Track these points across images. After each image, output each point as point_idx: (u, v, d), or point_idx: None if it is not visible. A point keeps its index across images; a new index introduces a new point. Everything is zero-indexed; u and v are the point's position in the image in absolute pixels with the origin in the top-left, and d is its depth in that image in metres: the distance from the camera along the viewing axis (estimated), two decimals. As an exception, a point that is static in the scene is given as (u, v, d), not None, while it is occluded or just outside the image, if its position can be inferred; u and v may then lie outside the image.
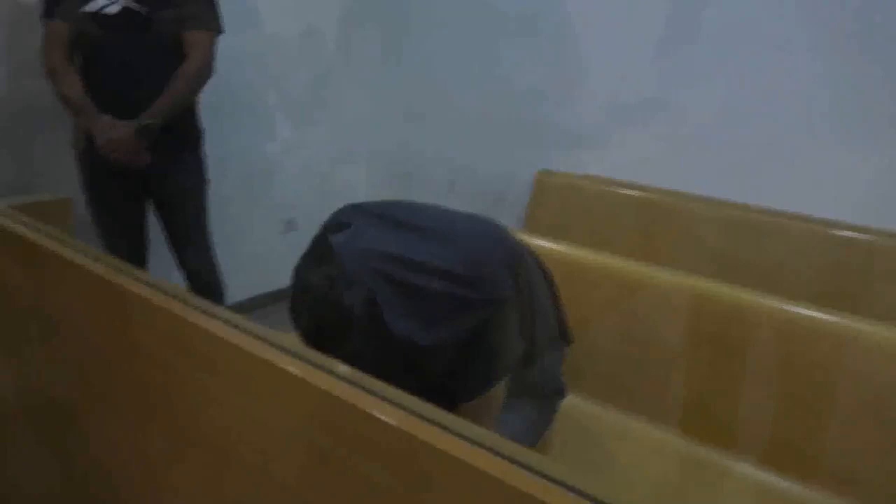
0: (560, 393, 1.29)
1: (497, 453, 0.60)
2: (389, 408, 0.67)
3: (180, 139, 1.75)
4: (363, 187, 3.03)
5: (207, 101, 1.93)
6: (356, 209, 1.07)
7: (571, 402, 1.37)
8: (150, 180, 1.77)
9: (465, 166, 2.78)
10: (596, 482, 0.55)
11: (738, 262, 1.92)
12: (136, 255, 1.87)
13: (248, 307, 2.53)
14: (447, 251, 0.96)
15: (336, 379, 0.71)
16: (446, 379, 0.98)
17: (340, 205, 1.09)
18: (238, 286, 2.35)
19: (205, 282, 1.95)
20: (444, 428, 0.64)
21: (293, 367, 0.72)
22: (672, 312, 1.39)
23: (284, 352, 0.75)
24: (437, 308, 0.93)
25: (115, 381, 0.98)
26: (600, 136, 2.34)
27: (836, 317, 1.27)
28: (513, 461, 0.60)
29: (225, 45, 1.86)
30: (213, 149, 1.99)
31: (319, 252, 0.95)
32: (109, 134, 1.57)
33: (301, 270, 0.96)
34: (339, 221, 1.06)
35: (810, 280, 1.81)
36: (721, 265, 1.90)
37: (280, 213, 2.79)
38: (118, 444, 1.01)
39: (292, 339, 1.00)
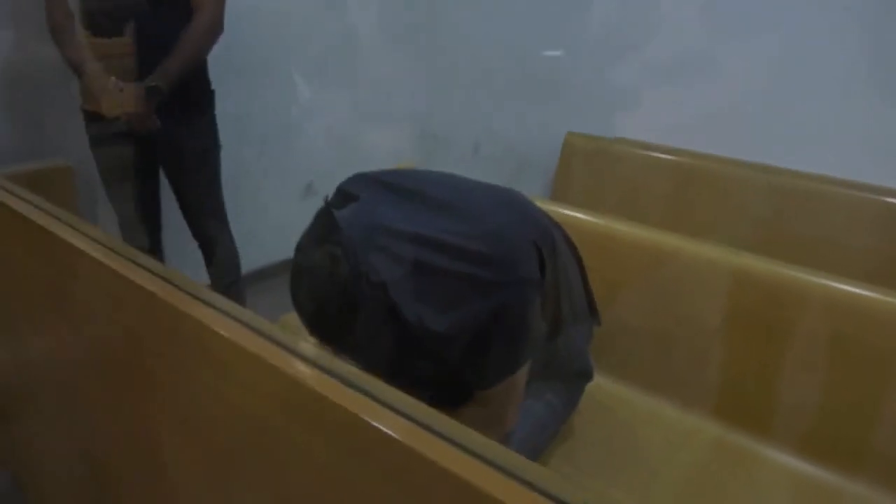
0: (586, 375, 1.24)
1: (497, 467, 0.55)
2: (383, 411, 0.60)
3: (189, 101, 1.69)
4: (386, 150, 2.95)
5: (222, 60, 1.86)
6: (365, 179, 1.03)
7: (598, 384, 1.30)
8: (159, 145, 1.71)
9: (490, 129, 2.70)
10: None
11: (783, 233, 1.82)
12: (147, 222, 1.82)
13: (268, 274, 2.50)
14: (466, 227, 0.92)
15: (312, 368, 0.66)
16: (464, 367, 0.95)
17: (362, 168, 1.05)
18: (256, 253, 2.30)
19: (219, 250, 1.91)
20: (441, 436, 0.57)
21: (268, 354, 0.68)
22: (710, 289, 1.32)
23: (266, 338, 0.70)
24: (454, 290, 0.90)
25: (107, 361, 0.95)
26: (634, 96, 2.24)
27: (893, 297, 1.16)
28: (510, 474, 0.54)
29: (242, 2, 1.76)
30: (230, 111, 1.94)
31: (322, 228, 0.90)
32: (115, 96, 1.51)
33: (302, 248, 0.91)
34: (347, 193, 1.01)
35: (865, 255, 1.69)
36: (765, 237, 1.80)
37: (300, 178, 2.74)
38: (113, 423, 0.99)
39: (292, 322, 0.94)
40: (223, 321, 0.73)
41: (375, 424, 0.58)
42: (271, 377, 0.67)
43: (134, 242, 1.84)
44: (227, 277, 1.92)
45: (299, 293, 0.90)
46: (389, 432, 0.58)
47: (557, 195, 2.23)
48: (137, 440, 0.93)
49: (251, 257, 2.20)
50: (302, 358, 0.66)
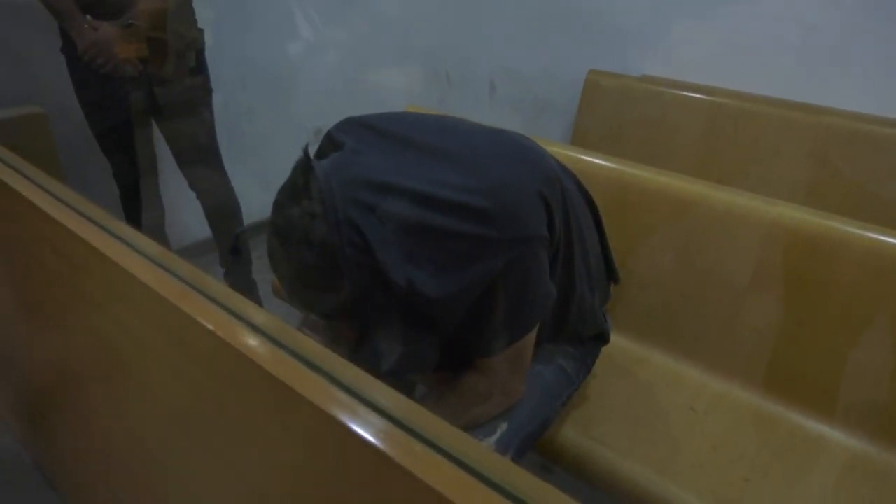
0: (602, 337, 1.17)
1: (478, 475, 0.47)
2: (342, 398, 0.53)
3: (175, 43, 1.58)
4: (397, 90, 2.88)
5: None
6: (353, 124, 0.96)
7: (615, 345, 1.25)
8: (146, 92, 1.65)
9: (508, 67, 2.61)
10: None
11: (825, 181, 1.69)
12: (137, 173, 1.79)
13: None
14: (463, 178, 0.84)
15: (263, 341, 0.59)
16: (464, 333, 0.89)
17: (373, 110, 1.00)
18: (265, 203, 2.25)
19: (217, 202, 1.88)
20: (421, 439, 0.48)
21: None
22: (741, 241, 1.24)
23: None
24: (450, 251, 0.83)
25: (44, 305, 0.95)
26: (662, 29, 2.12)
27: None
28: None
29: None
30: (232, 53, 1.85)
31: (300, 181, 0.82)
32: (91, 36, 1.41)
33: (279, 205, 0.84)
34: (331, 140, 0.95)
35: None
36: (808, 186, 1.70)
37: (308, 122, 2.68)
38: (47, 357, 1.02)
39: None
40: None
41: (344, 421, 0.51)
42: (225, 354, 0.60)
43: (127, 192, 1.80)
44: (229, 229, 1.87)
45: (276, 256, 0.83)
46: (361, 432, 0.49)
47: (577, 139, 2.15)
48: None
49: (259, 207, 2.16)
50: (258, 332, 0.59)
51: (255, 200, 2.11)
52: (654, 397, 1.23)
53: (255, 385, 0.59)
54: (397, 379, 1.14)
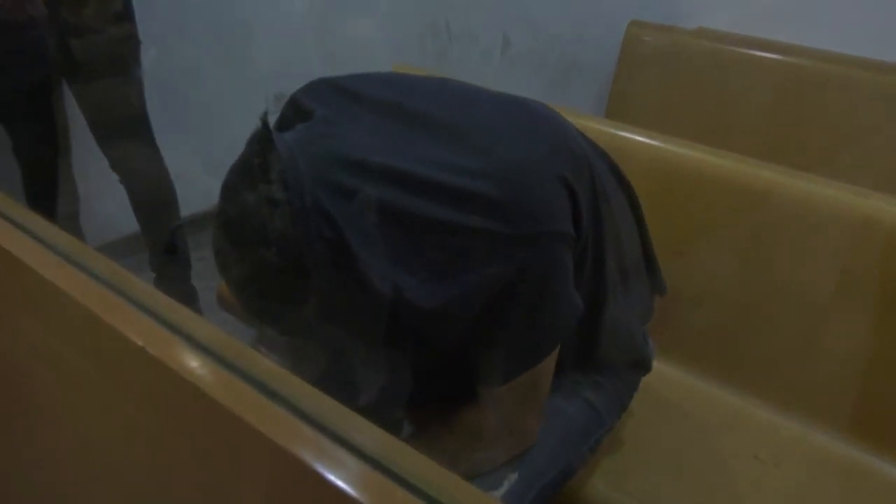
0: (642, 364, 1.20)
1: None
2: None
3: None
4: (381, 44, 2.89)
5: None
6: (325, 87, 0.98)
7: (659, 375, 1.28)
8: (57, 44, 1.67)
9: (525, 16, 2.64)
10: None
11: None
12: (44, 150, 1.82)
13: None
14: (468, 158, 0.86)
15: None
16: (463, 356, 0.92)
17: (351, 70, 1.02)
18: (209, 188, 2.28)
19: (146, 187, 1.91)
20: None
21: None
22: (823, 244, 1.27)
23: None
24: (449, 251, 0.86)
25: None
26: None
27: None
28: None
29: None
30: None
31: (257, 159, 0.83)
32: None
33: (230, 189, 0.85)
34: (297, 107, 0.97)
35: None
36: None
37: (266, 84, 2.64)
38: None
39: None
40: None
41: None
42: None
43: (33, 172, 1.82)
44: (161, 221, 1.90)
45: (225, 255, 0.85)
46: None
47: (614, 110, 2.19)
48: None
49: (200, 193, 2.18)
50: (201, 350, 0.61)
51: (197, 185, 2.12)
52: (709, 442, 1.25)
53: (199, 417, 0.60)
54: (377, 413, 1.15)
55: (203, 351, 0.62)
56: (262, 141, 0.83)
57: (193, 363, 0.61)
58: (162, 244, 1.99)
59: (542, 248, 0.86)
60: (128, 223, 2.06)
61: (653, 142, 1.41)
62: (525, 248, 0.85)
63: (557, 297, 0.91)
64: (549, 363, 0.95)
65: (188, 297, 2.00)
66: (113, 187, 1.95)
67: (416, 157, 0.85)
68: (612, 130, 1.42)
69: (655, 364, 1.19)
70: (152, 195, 1.92)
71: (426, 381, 0.99)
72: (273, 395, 0.58)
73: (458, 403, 0.98)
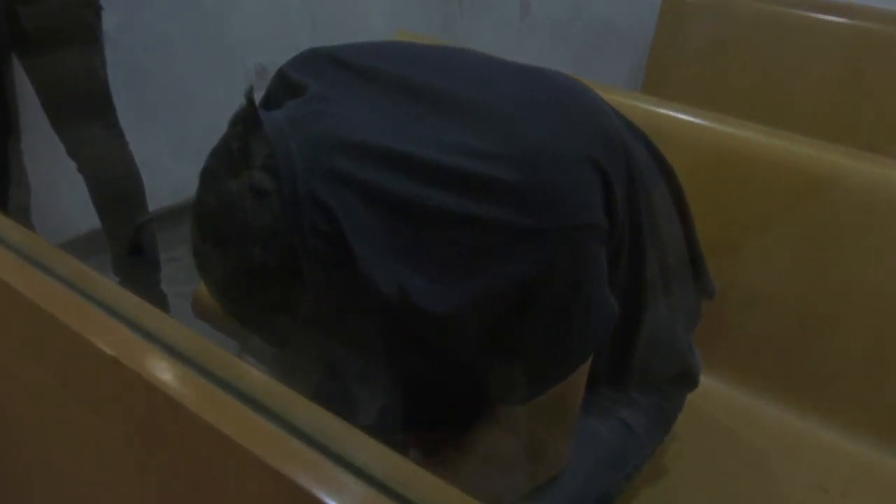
0: (688, 379, 1.21)
1: None
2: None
3: None
4: (381, 8, 2.88)
5: None
6: (318, 59, 1.00)
7: (708, 391, 1.29)
8: (5, 12, 1.69)
9: None
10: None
11: None
12: None
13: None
14: (484, 139, 0.88)
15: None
16: (480, 369, 0.93)
17: (346, 39, 1.04)
18: (184, 177, 2.30)
19: (108, 176, 1.92)
20: None
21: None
22: None
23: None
24: (463, 246, 0.87)
25: None
26: None
27: None
28: None
29: None
30: None
31: (240, 142, 0.85)
32: None
33: (210, 175, 0.87)
34: (287, 81, 0.99)
35: None
36: None
37: (248, 56, 2.76)
38: None
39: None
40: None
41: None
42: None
43: None
44: (126, 216, 1.91)
45: (204, 253, 0.86)
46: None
47: (653, 83, 2.20)
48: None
49: (172, 183, 2.19)
50: (180, 360, 0.63)
51: (168, 174, 2.14)
52: (765, 471, 1.26)
53: (180, 436, 0.62)
54: (378, 436, 1.17)
55: (184, 361, 0.63)
56: (246, 121, 0.85)
57: (173, 375, 0.62)
58: (126, 243, 2.00)
59: (571, 242, 0.87)
60: (86, 218, 2.08)
61: (699, 120, 1.42)
62: (551, 242, 0.86)
63: (589, 299, 0.91)
64: (580, 377, 0.96)
65: (157, 305, 2.01)
66: (70, 177, 1.96)
67: (425, 138, 0.87)
68: (651, 107, 1.43)
69: (703, 379, 1.19)
70: (115, 186, 1.93)
71: (436, 400, 1.00)
72: (264, 410, 0.59)
73: (474, 425, 0.99)
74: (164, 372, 0.62)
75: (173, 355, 0.64)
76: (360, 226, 0.83)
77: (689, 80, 2.12)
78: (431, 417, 1.00)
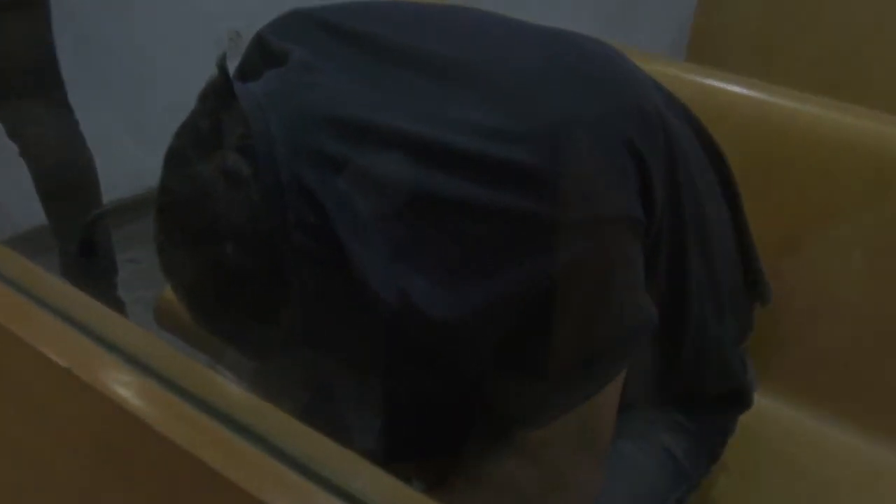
0: (740, 398, 1.22)
1: None
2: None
3: None
4: None
5: None
6: (302, 22, 1.02)
7: (763, 412, 1.29)
8: None
9: None
10: None
11: None
12: None
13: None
14: (497, 116, 0.89)
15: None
16: (494, 385, 0.94)
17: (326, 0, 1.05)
18: (145, 163, 2.31)
19: (55, 161, 1.92)
20: None
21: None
22: None
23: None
24: (473, 243, 0.88)
25: None
26: None
27: None
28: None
29: None
30: None
31: (212, 119, 0.87)
32: None
33: (176, 159, 0.89)
34: (266, 48, 1.01)
35: None
36: None
37: (220, 20, 2.71)
38: None
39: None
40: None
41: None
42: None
43: None
44: (76, 209, 1.92)
45: (170, 251, 0.88)
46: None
47: (698, 50, 2.20)
48: None
49: (131, 170, 2.20)
50: (146, 372, 0.63)
51: (125, 159, 2.15)
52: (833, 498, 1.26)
53: (146, 461, 0.62)
54: (377, 460, 1.18)
55: (150, 373, 0.64)
56: (218, 94, 0.86)
57: (137, 389, 0.62)
58: (77, 240, 2.00)
59: (600, 237, 0.88)
60: (30, 212, 2.09)
61: (753, 93, 1.42)
62: (576, 237, 0.86)
63: (621, 303, 0.92)
64: (612, 396, 0.97)
65: (113, 315, 2.03)
66: (10, 163, 1.98)
67: (428, 114, 0.87)
68: (697, 78, 1.43)
69: (757, 398, 1.20)
70: (63, 173, 1.93)
71: (442, 422, 1.01)
72: (243, 429, 0.60)
73: (487, 451, 1.00)
74: (126, 386, 0.63)
75: (137, 366, 0.64)
76: (352, 218, 0.84)
77: (741, 46, 2.12)
78: (437, 443, 1.01)
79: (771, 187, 1.35)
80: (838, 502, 1.28)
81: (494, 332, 0.89)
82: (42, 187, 1.95)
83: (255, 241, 0.83)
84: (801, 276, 1.37)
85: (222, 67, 0.86)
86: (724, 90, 1.43)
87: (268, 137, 0.83)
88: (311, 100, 0.88)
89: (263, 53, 0.99)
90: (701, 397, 1.16)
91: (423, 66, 0.92)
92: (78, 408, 0.66)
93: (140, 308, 2.07)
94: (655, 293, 0.98)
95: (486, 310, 0.87)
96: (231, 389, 0.64)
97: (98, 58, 2.33)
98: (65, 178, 1.93)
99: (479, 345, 0.90)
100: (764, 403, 1.27)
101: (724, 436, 1.20)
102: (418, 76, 0.91)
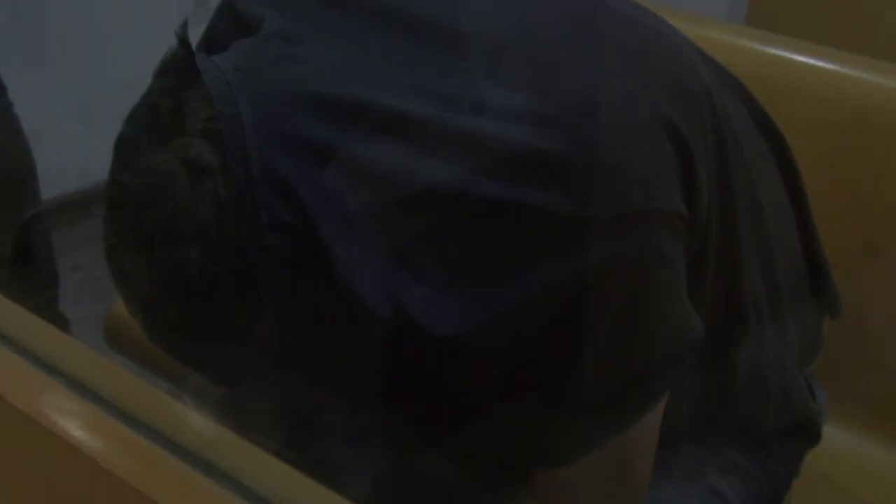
0: (807, 431, 1.22)
1: None
2: None
3: None
4: None
5: None
6: None
7: (834, 446, 1.30)
8: None
9: None
10: None
11: None
12: None
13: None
14: (518, 96, 0.90)
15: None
16: (508, 416, 0.94)
17: None
18: (94, 151, 2.32)
19: None
20: None
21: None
22: None
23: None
24: (485, 245, 0.89)
25: None
26: None
27: None
28: None
29: None
30: None
31: (171, 99, 0.87)
32: None
33: (129, 147, 0.89)
34: (235, 14, 1.01)
35: None
36: None
37: None
38: None
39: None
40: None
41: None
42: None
43: None
44: (9, 209, 1.93)
45: (122, 258, 0.88)
46: None
47: (760, 12, 2.18)
48: None
49: (76, 160, 2.22)
50: (94, 400, 0.64)
51: (71, 148, 2.16)
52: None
53: (91, 502, 0.63)
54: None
55: (97, 401, 0.64)
56: (179, 70, 0.87)
57: (83, 420, 0.63)
58: (10, 245, 2.02)
59: (634, 236, 0.88)
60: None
61: (826, 64, 1.42)
62: (606, 236, 0.86)
63: (661, 316, 0.93)
64: (651, 428, 0.97)
65: (54, 332, 2.04)
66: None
67: (430, 91, 0.88)
68: (757, 46, 1.43)
69: (827, 431, 1.21)
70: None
71: (447, 461, 1.02)
72: (209, 468, 0.60)
73: (500, 495, 1.01)
74: (69, 415, 0.63)
75: (83, 393, 0.65)
76: (337, 215, 0.84)
77: (812, 6, 2.14)
78: (442, 486, 1.02)
79: (845, 180, 1.35)
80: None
81: (509, 350, 0.89)
82: None
83: (222, 244, 0.83)
84: (882, 286, 1.37)
85: (183, 39, 0.87)
86: (789, 61, 1.42)
87: (237, 121, 0.84)
88: (289, 76, 0.88)
89: (232, 20, 0.99)
90: (759, 431, 1.16)
91: (423, 34, 0.92)
92: (13, 440, 0.67)
93: (87, 325, 2.08)
94: (703, 307, 0.98)
95: (498, 323, 0.87)
96: (193, 420, 0.65)
97: (37, 27, 2.34)
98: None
99: (490, 367, 0.90)
100: (835, 436, 1.28)
101: (788, 477, 1.21)
102: (418, 47, 0.92)
